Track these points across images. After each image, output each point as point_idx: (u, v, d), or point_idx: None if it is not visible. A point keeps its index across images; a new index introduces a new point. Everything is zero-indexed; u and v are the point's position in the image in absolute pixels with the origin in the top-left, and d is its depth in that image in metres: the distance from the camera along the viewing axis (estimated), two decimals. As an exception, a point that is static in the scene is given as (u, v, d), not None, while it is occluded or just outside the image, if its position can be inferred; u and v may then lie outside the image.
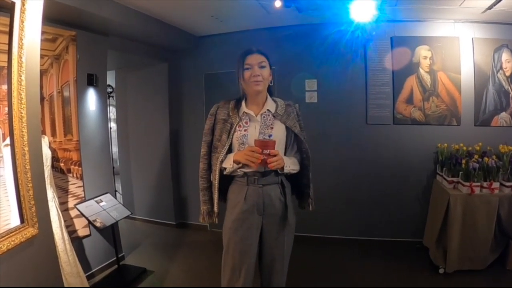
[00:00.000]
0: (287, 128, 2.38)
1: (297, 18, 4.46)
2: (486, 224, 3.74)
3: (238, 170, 2.30)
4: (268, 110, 2.36)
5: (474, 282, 3.68)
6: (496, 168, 3.81)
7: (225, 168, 2.32)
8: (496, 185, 3.78)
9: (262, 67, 2.28)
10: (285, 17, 4.46)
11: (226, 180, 2.39)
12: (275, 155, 2.15)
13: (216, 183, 2.33)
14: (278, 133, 2.33)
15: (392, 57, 4.63)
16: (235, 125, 2.31)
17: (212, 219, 2.44)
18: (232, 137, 2.31)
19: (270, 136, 2.29)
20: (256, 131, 2.31)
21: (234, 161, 2.26)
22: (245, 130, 2.31)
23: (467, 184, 3.79)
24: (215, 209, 2.40)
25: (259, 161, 2.12)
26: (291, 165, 2.33)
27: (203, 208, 2.44)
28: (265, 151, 2.11)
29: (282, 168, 2.26)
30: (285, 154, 2.38)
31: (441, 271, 3.85)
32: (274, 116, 2.36)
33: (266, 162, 2.13)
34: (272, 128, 2.33)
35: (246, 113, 2.34)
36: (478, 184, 3.79)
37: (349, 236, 4.95)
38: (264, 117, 2.34)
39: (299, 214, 2.48)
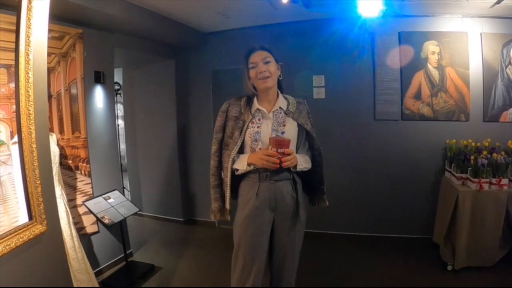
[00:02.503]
0: (298, 125, 2.38)
1: (304, 14, 4.43)
2: (495, 220, 3.71)
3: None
4: (280, 107, 2.36)
5: (482, 279, 3.66)
6: (505, 164, 3.78)
7: (237, 169, 2.33)
8: (505, 181, 3.74)
9: (267, 62, 2.27)
10: (292, 13, 4.45)
11: (237, 176, 2.39)
12: (289, 154, 2.15)
13: (228, 180, 2.34)
14: (290, 130, 2.33)
15: (399, 52, 4.60)
16: (247, 122, 2.31)
17: (224, 217, 2.45)
18: (245, 134, 2.31)
19: (282, 133, 2.29)
20: (269, 128, 2.31)
21: (248, 164, 2.26)
22: (258, 127, 2.30)
23: (476, 180, 3.76)
24: (227, 206, 2.39)
25: (277, 166, 2.13)
26: (303, 163, 2.34)
27: (215, 206, 2.45)
28: (279, 150, 2.12)
29: (295, 166, 2.27)
30: (296, 152, 2.38)
31: (449, 267, 3.83)
32: (286, 114, 2.35)
33: (281, 161, 2.13)
34: (284, 125, 2.32)
35: (258, 109, 2.34)
36: (487, 180, 3.76)
37: (357, 233, 4.94)
38: (276, 114, 2.34)
39: (307, 211, 2.47)
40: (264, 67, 2.26)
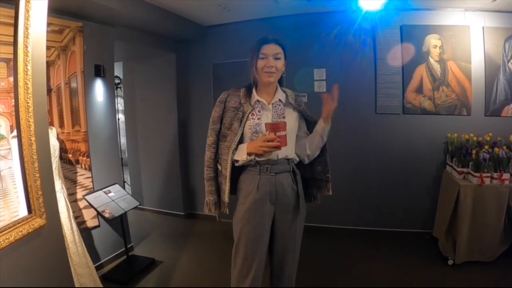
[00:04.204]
0: (299, 116, 2.39)
1: (305, 7, 4.42)
2: (496, 215, 3.71)
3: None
4: (279, 99, 2.35)
5: (483, 273, 3.66)
6: (506, 158, 3.77)
7: (236, 161, 2.30)
8: (506, 176, 3.73)
9: (277, 58, 2.25)
10: (293, 6, 4.44)
11: (235, 169, 2.36)
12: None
13: (227, 173, 2.29)
14: (290, 122, 2.32)
15: (401, 46, 4.57)
16: (247, 113, 2.29)
17: (221, 210, 2.40)
18: (244, 126, 2.29)
19: None
20: (269, 119, 2.29)
21: (248, 153, 2.24)
22: (258, 119, 2.29)
23: (477, 174, 3.76)
24: (226, 199, 2.33)
25: (279, 145, 2.12)
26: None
27: (209, 199, 2.40)
28: (278, 133, 2.11)
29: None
30: (298, 143, 2.40)
31: (450, 262, 3.83)
32: (285, 106, 2.35)
33: (280, 145, 2.13)
34: (284, 117, 2.32)
35: (258, 101, 2.32)
36: (488, 175, 3.76)
37: (357, 227, 4.94)
38: (275, 106, 2.34)
39: (307, 204, 2.46)
40: (273, 63, 2.23)
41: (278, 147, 2.13)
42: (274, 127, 2.13)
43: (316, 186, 2.57)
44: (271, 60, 2.24)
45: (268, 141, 2.13)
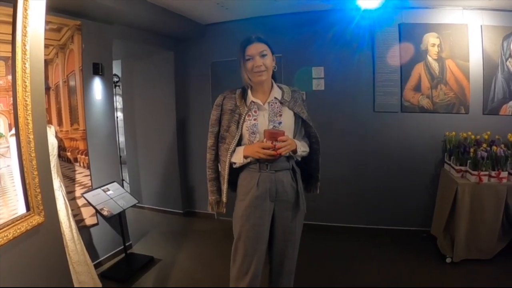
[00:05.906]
0: (295, 114, 2.37)
1: (304, 5, 4.43)
2: (494, 213, 3.71)
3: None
4: (275, 97, 2.34)
5: (481, 271, 3.67)
6: (504, 157, 3.77)
7: (234, 163, 2.32)
8: (504, 174, 3.74)
9: (264, 55, 2.25)
10: (291, 4, 4.43)
11: (235, 168, 2.38)
12: (283, 141, 2.15)
13: (225, 174, 2.32)
14: (287, 119, 2.33)
15: (399, 44, 4.58)
16: (244, 115, 2.29)
17: (220, 209, 2.44)
18: (242, 127, 2.30)
19: (280, 123, 2.29)
20: (266, 119, 2.30)
21: (244, 156, 2.26)
22: (254, 119, 2.29)
23: (475, 173, 3.76)
24: (224, 199, 2.38)
25: (275, 154, 2.14)
26: (302, 147, 2.36)
27: (211, 198, 2.44)
28: (275, 143, 2.12)
29: (295, 150, 2.28)
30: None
31: (448, 260, 3.84)
32: (281, 103, 2.34)
33: (277, 148, 2.14)
34: (281, 115, 2.32)
35: (253, 102, 2.32)
36: (486, 173, 3.76)
37: (356, 225, 4.95)
38: (271, 105, 2.33)
39: (306, 202, 2.47)
40: (261, 61, 2.24)
41: (274, 156, 2.15)
42: (272, 136, 2.14)
43: (308, 181, 2.60)
44: (258, 59, 2.24)
45: (265, 148, 2.14)
